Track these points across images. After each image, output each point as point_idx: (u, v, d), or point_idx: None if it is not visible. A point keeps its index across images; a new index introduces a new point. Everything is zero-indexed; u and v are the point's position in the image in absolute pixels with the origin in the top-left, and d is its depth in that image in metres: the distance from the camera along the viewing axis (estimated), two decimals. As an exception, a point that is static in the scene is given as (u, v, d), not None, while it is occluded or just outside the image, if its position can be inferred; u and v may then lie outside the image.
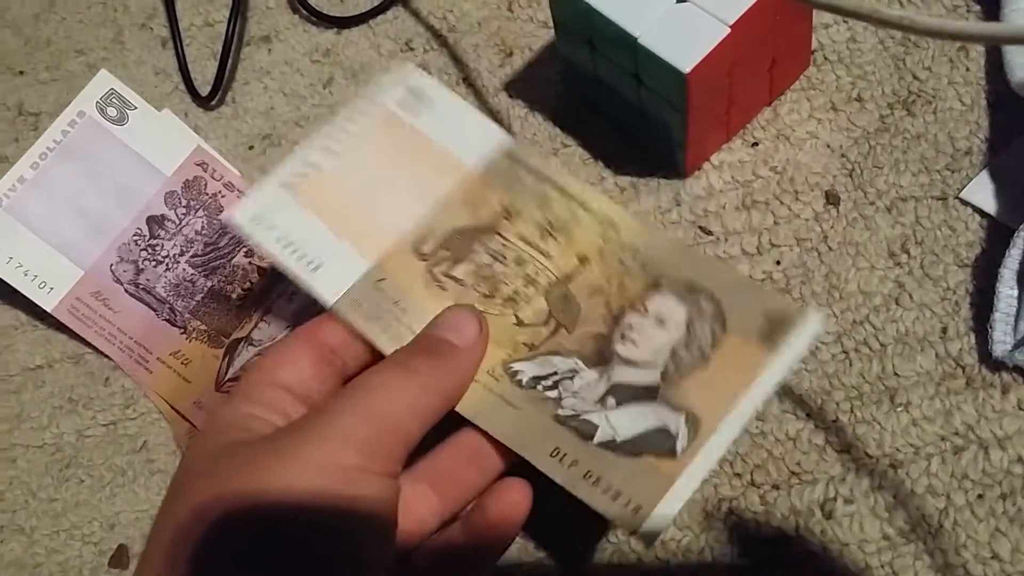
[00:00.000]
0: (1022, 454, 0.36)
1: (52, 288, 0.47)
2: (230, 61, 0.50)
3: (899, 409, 0.38)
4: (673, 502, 0.32)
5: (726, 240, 0.43)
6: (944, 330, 0.39)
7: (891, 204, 0.42)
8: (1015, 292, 0.38)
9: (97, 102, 0.48)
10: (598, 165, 0.45)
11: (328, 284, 0.36)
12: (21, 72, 0.54)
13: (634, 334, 0.35)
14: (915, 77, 0.45)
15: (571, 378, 0.35)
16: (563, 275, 0.37)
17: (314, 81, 0.50)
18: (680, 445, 0.32)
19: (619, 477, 0.32)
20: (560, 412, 0.34)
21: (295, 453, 0.28)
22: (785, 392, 0.39)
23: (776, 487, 0.38)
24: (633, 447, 0.33)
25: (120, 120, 0.48)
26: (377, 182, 0.38)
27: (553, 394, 0.34)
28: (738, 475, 0.38)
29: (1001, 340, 0.38)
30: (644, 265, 0.36)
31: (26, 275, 0.47)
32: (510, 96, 0.48)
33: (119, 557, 0.43)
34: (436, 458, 0.34)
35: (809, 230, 0.42)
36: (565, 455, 0.33)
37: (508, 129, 0.47)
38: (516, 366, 0.35)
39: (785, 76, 0.45)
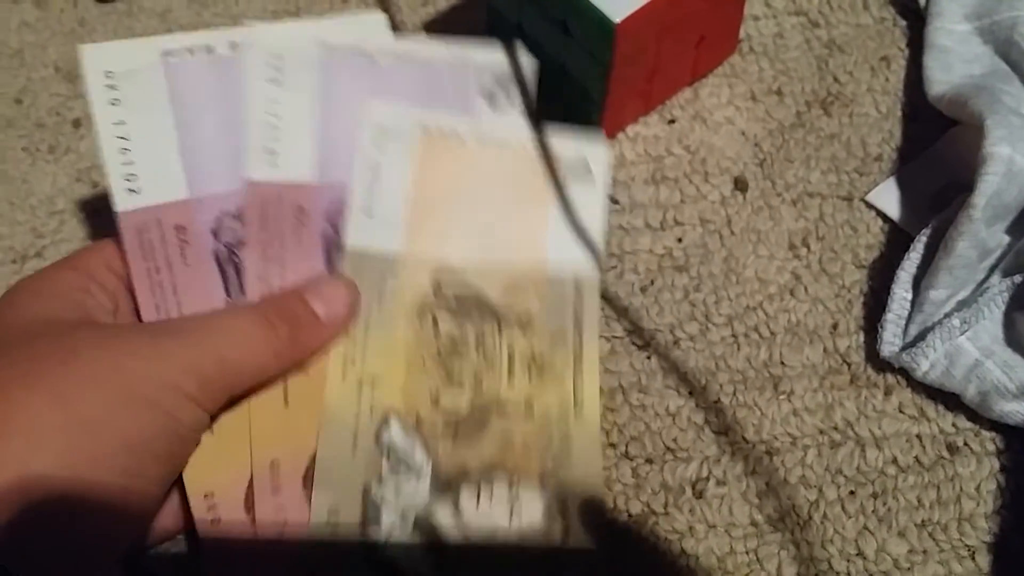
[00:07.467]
0: (897, 456, 0.36)
1: (137, 191, 0.34)
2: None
3: (781, 397, 0.37)
4: None
5: (631, 211, 0.41)
6: (835, 326, 0.39)
7: (797, 197, 0.42)
8: (909, 296, 0.38)
9: None
10: (510, 118, 0.43)
11: (358, 230, 0.34)
12: None
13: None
14: (836, 80, 0.45)
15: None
16: (498, 403, 0.34)
17: (221, -14, 0.47)
18: None
19: None
20: None
21: (146, 360, 0.29)
22: (670, 368, 0.38)
23: (650, 461, 0.36)
24: None
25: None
26: (480, 197, 0.36)
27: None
28: (613, 445, 0.36)
29: (890, 341, 0.37)
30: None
31: (123, 154, 0.34)
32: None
33: None
34: None
35: (714, 212, 0.41)
36: None
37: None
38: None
39: (710, 57, 0.45)
